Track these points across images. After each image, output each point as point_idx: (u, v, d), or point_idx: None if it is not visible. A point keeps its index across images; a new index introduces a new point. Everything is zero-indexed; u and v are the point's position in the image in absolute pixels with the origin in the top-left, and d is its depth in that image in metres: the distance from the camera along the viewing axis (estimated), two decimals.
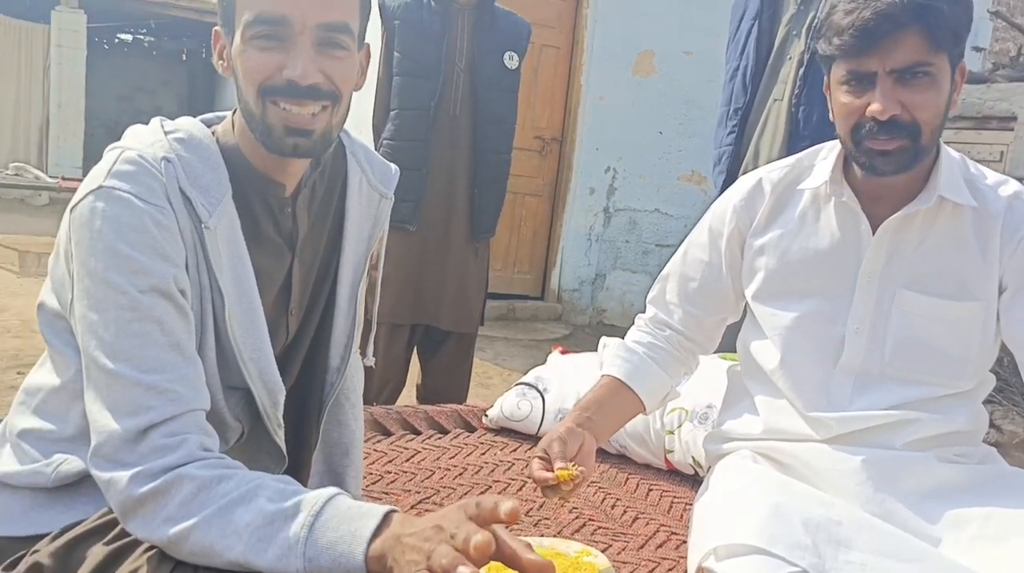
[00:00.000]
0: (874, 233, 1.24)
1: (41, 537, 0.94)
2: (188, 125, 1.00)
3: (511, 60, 2.48)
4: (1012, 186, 1.23)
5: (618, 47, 5.49)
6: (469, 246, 2.55)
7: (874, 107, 1.13)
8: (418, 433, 1.86)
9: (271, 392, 1.03)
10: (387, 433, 1.83)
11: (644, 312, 1.48)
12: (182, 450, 0.86)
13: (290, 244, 1.07)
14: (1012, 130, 4.11)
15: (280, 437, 1.07)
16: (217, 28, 0.99)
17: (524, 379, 1.99)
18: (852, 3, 1.13)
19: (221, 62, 1.00)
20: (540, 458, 1.17)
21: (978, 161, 1.30)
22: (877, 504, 1.16)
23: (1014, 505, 1.13)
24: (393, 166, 1.21)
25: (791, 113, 2.18)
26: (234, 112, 1.04)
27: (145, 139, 0.96)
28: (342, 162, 1.13)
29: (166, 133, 0.97)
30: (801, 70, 2.15)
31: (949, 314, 1.21)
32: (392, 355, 2.51)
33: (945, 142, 1.29)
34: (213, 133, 1.02)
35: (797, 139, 2.13)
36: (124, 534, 0.88)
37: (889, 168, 1.17)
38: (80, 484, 0.96)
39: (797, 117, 2.16)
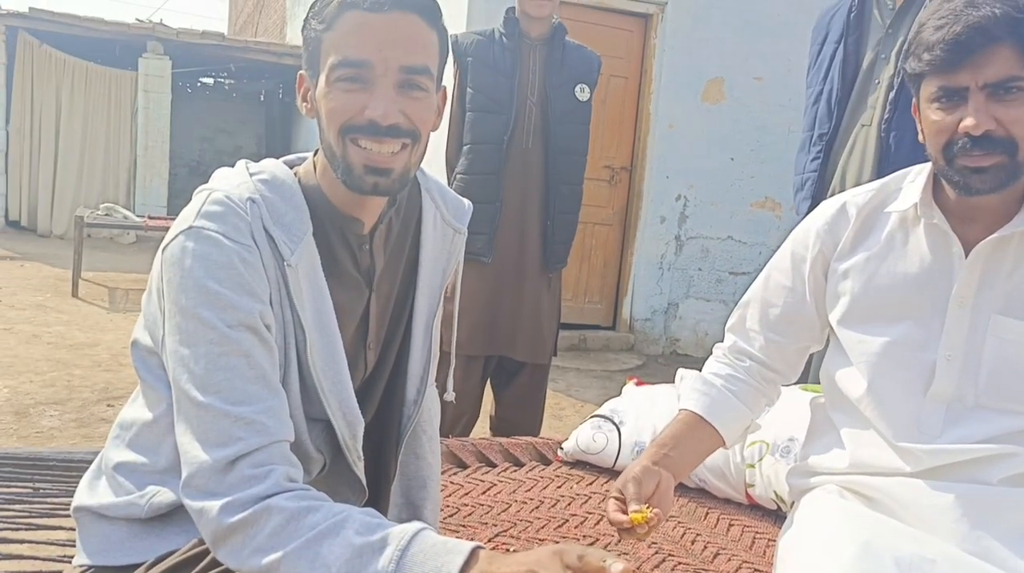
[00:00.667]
0: (966, 256, 1.20)
1: (137, 566, 0.97)
2: (271, 167, 1.04)
3: (582, 92, 2.51)
4: None
5: (687, 75, 5.48)
6: (543, 277, 2.56)
7: (967, 122, 1.10)
8: (494, 466, 1.86)
9: (351, 424, 1.05)
10: (463, 465, 1.84)
11: (721, 341, 1.46)
12: (270, 480, 0.88)
13: (368, 279, 1.10)
14: None
15: (360, 469, 1.09)
16: (302, 72, 1.03)
17: (599, 411, 1.98)
18: (942, 18, 1.10)
19: (305, 104, 1.04)
20: (616, 499, 1.16)
21: None
22: (973, 542, 1.10)
23: None
24: (466, 201, 1.23)
25: (881, 139, 2.12)
26: (315, 153, 1.08)
27: (232, 181, 1.00)
28: (417, 198, 1.16)
29: (251, 175, 1.01)
30: (891, 94, 2.09)
31: None
32: (467, 387, 2.53)
33: None
34: (295, 174, 1.06)
35: (887, 165, 2.07)
36: (215, 564, 0.91)
37: (985, 186, 1.13)
38: (173, 515, 0.99)
39: (888, 143, 2.10)
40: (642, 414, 1.88)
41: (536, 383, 2.62)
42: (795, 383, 1.92)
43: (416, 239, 1.15)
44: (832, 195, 2.21)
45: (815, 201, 2.25)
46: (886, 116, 2.10)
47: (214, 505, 0.87)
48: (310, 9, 1.02)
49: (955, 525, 1.13)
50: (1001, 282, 1.18)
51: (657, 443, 1.29)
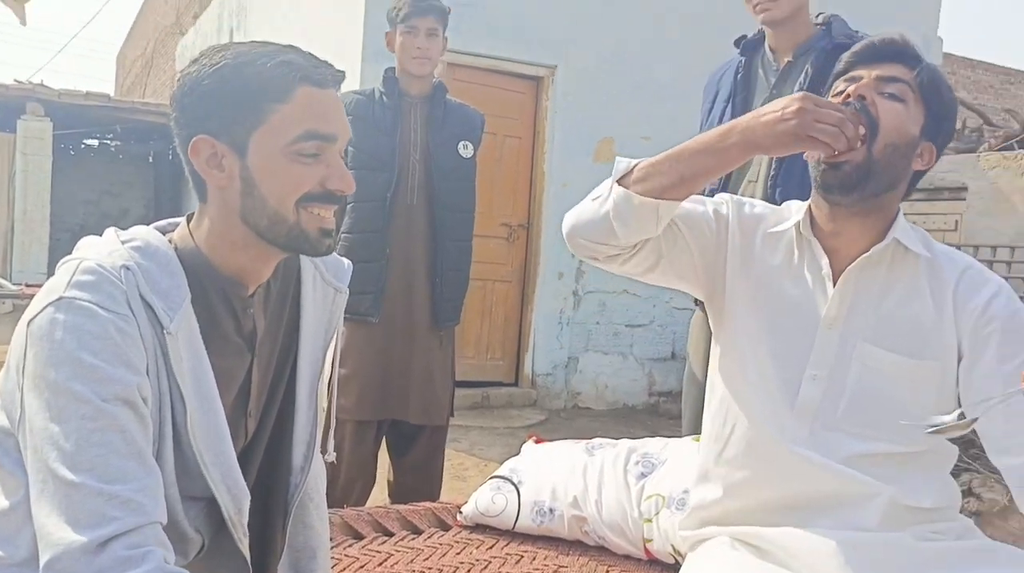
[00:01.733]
0: (836, 283, 1.27)
1: None
2: (143, 233, 1.00)
3: (466, 150, 2.52)
4: (965, 258, 1.28)
5: (578, 135, 5.64)
6: (433, 336, 2.51)
7: (854, 87, 1.23)
8: (391, 535, 1.80)
9: (236, 499, 1.01)
10: (359, 536, 1.78)
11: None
12: (147, 564, 0.83)
13: (250, 344, 1.07)
14: (964, 199, 4.25)
15: (245, 546, 1.04)
16: (204, 138, 0.98)
17: (498, 472, 1.95)
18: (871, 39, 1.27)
19: (217, 172, 0.99)
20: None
21: (933, 231, 1.38)
22: None
23: None
24: (346, 260, 1.22)
25: (767, 193, 2.22)
26: (189, 216, 1.05)
27: (102, 249, 0.96)
28: (295, 259, 1.14)
29: (122, 242, 0.97)
30: None
31: (908, 372, 1.23)
32: (360, 453, 2.44)
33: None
34: (170, 240, 1.02)
35: None
36: None
37: (837, 182, 1.22)
38: None
39: (774, 197, 2.20)
40: (541, 472, 1.87)
41: (435, 446, 2.56)
42: (687, 435, 1.96)
43: (296, 300, 1.13)
44: None
45: None
46: (771, 172, 2.20)
47: None
48: (223, 75, 0.98)
49: (840, 571, 1.16)
50: (868, 309, 1.25)
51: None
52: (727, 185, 2.32)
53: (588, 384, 5.80)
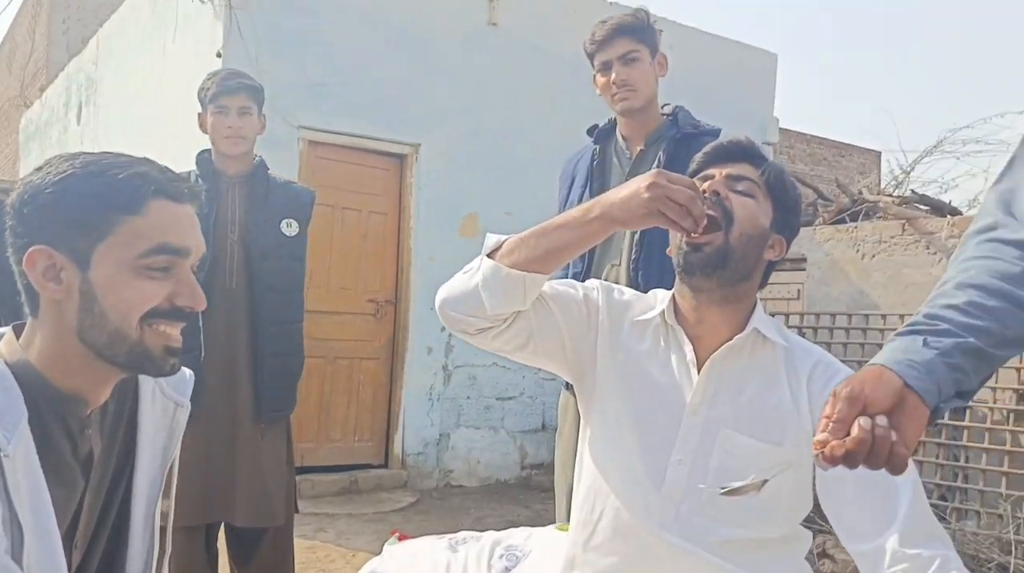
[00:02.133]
0: (700, 370, 1.30)
1: None
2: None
3: (290, 227, 2.42)
4: (816, 350, 1.36)
5: (443, 211, 5.68)
6: (256, 428, 2.34)
7: (708, 183, 1.30)
8: None
9: None
10: None
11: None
12: None
13: (85, 469, 0.98)
14: (804, 270, 4.54)
15: None
16: (41, 248, 0.93)
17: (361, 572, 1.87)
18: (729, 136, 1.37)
19: (52, 284, 0.94)
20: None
21: (778, 299, 1.48)
22: None
23: None
24: (188, 371, 1.14)
25: (630, 277, 2.28)
26: (17, 327, 0.97)
27: None
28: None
29: None
30: (636, 236, 2.25)
31: (766, 458, 1.26)
32: (191, 564, 2.25)
33: None
34: None
35: None
36: None
37: (698, 264, 1.27)
38: None
39: (636, 281, 2.26)
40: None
41: (281, 550, 2.37)
42: (551, 524, 1.94)
43: (132, 417, 1.05)
44: None
45: None
46: (633, 256, 2.27)
47: None
48: (68, 184, 0.93)
49: None
50: (732, 396, 1.29)
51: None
52: (591, 268, 2.38)
53: (460, 461, 5.73)
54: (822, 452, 0.89)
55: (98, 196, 0.93)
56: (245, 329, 2.33)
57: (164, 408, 1.09)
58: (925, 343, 0.94)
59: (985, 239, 1.03)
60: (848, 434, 0.87)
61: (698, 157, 1.36)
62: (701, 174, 1.33)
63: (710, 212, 1.24)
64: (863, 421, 0.88)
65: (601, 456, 1.35)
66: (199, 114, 2.45)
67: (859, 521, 1.20)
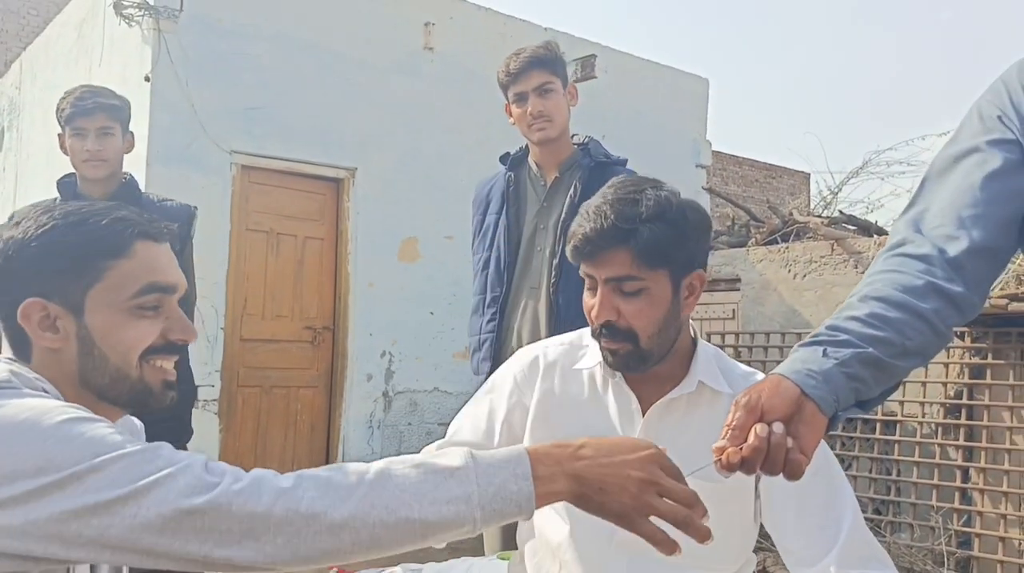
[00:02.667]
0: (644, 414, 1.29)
1: None
2: None
3: None
4: (760, 377, 1.34)
5: (382, 235, 5.64)
6: None
7: (592, 312, 1.24)
8: None
9: None
10: None
11: None
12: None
13: None
14: (739, 290, 4.62)
15: None
16: (35, 301, 0.95)
17: None
18: (582, 218, 1.25)
19: (49, 334, 0.96)
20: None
21: (714, 319, 1.44)
22: None
23: None
24: (138, 422, 1.19)
25: (550, 300, 2.28)
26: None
27: None
28: None
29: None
30: (555, 260, 2.28)
31: (711, 495, 1.26)
32: None
33: None
34: None
35: (558, 324, 2.22)
36: None
37: (618, 365, 1.26)
38: None
39: (557, 304, 2.26)
40: None
41: None
42: (493, 553, 1.91)
43: None
44: (512, 353, 2.34)
45: (495, 361, 2.35)
46: (552, 280, 2.27)
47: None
48: (53, 236, 0.96)
49: None
50: (675, 441, 1.28)
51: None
52: (510, 292, 2.38)
53: None
54: (720, 459, 0.89)
55: (85, 244, 0.97)
56: None
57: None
58: (824, 353, 0.96)
59: (892, 254, 1.06)
60: (746, 441, 0.88)
61: (569, 244, 1.26)
62: (586, 273, 1.26)
63: (612, 346, 1.24)
64: (759, 428, 0.90)
65: (547, 515, 1.32)
66: (59, 135, 2.34)
67: (802, 547, 1.21)
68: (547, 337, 2.16)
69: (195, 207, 2.48)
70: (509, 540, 1.95)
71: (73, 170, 2.34)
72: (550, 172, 2.37)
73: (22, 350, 0.98)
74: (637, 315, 1.22)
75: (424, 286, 5.77)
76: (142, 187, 4.77)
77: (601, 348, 1.27)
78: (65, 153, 2.33)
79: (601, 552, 1.27)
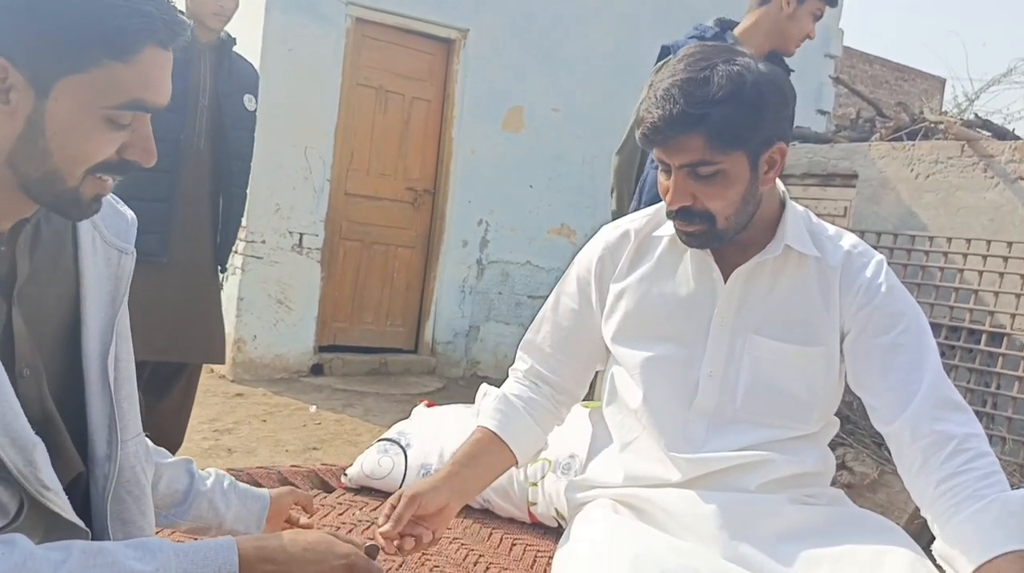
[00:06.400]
0: (726, 281, 1.27)
1: None
2: None
3: (250, 103, 2.62)
4: (849, 238, 1.29)
5: (488, 102, 5.58)
6: (214, 279, 2.61)
7: (667, 197, 1.22)
8: None
9: (22, 448, 0.83)
10: None
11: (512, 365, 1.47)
12: None
13: (5, 288, 0.89)
14: (854, 187, 4.41)
15: (55, 502, 0.87)
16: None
17: (386, 434, 1.92)
18: (650, 101, 1.19)
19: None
20: (392, 505, 1.20)
21: (824, 216, 1.37)
22: (732, 549, 1.16)
23: (863, 545, 1.15)
24: (129, 214, 1.07)
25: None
26: None
27: None
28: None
29: None
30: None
31: (796, 359, 1.25)
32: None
33: (794, 198, 1.36)
34: None
35: None
36: None
37: (694, 244, 1.25)
38: None
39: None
40: (429, 437, 1.84)
41: (192, 387, 2.63)
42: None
43: (76, 265, 0.97)
44: None
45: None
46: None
47: None
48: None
49: (717, 533, 1.18)
50: (757, 305, 1.27)
51: (450, 461, 1.30)
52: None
53: (488, 353, 5.80)
54: None
55: (89, 26, 0.81)
56: (208, 188, 2.55)
57: (107, 257, 1.01)
58: None
59: None
60: None
61: (638, 132, 1.21)
62: (659, 159, 1.21)
63: (688, 229, 1.22)
64: None
65: (631, 387, 1.33)
66: None
67: (885, 402, 1.20)
68: None
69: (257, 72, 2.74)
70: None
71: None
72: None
73: None
74: (713, 198, 1.19)
75: (526, 158, 5.73)
76: (260, 34, 4.86)
77: (676, 230, 1.26)
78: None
79: (679, 417, 1.28)
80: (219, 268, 2.64)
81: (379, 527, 1.18)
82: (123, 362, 1.02)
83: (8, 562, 0.74)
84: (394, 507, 1.20)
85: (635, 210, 2.57)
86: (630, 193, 2.63)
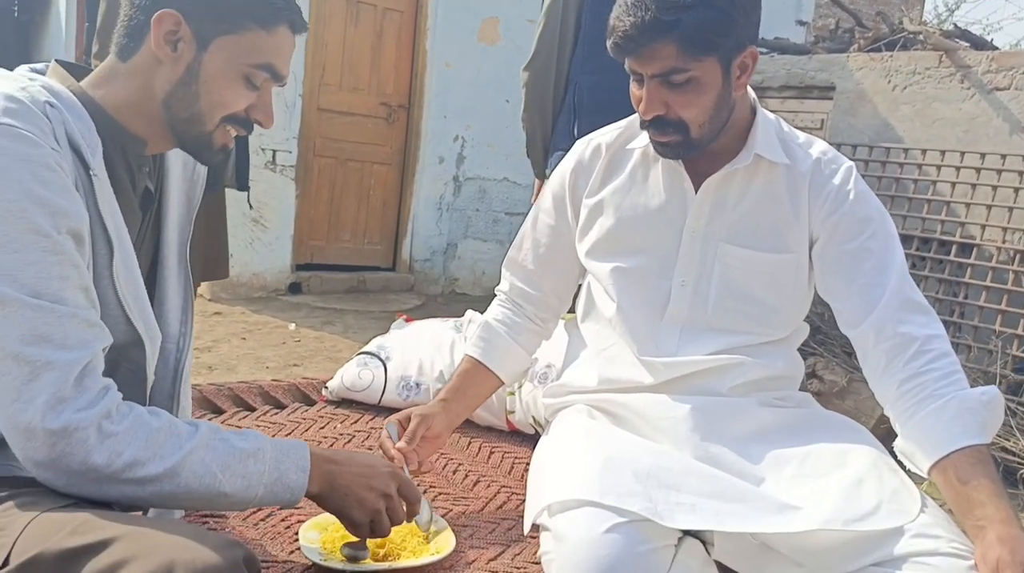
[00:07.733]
0: (697, 191, 1.27)
1: None
2: (41, 77, 0.97)
3: None
4: (819, 146, 1.30)
5: (462, 13, 5.44)
6: (221, 194, 2.70)
7: (640, 107, 1.21)
8: (252, 410, 1.77)
9: (152, 340, 1.02)
10: (218, 411, 1.73)
11: (498, 281, 1.50)
12: (114, 390, 0.88)
13: (144, 205, 1.06)
14: (831, 99, 4.39)
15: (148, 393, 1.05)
16: (175, 13, 0.97)
17: (366, 348, 1.93)
18: (620, 9, 1.18)
19: (167, 47, 0.99)
20: (399, 422, 1.31)
21: (799, 128, 1.37)
22: (704, 450, 1.20)
23: (828, 444, 1.20)
24: None
25: None
26: (63, 64, 1.01)
27: (16, 83, 0.92)
28: None
29: (30, 80, 0.94)
30: None
31: (765, 266, 1.27)
32: None
33: (772, 110, 1.36)
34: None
35: None
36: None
37: (668, 154, 1.26)
38: None
39: None
40: (408, 349, 1.86)
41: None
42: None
43: (161, 164, 1.11)
44: None
45: None
46: None
47: (89, 414, 0.83)
48: None
49: (689, 434, 1.22)
50: (727, 214, 1.28)
51: (443, 391, 1.41)
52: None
53: (466, 270, 5.82)
54: None
55: (268, 15, 1.00)
56: None
57: (185, 161, 1.15)
58: None
59: None
60: None
61: (609, 41, 1.20)
62: (631, 68, 1.20)
63: (662, 139, 1.22)
64: None
65: (605, 297, 1.36)
66: None
67: (851, 307, 1.23)
68: None
69: None
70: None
71: None
72: None
73: (133, 44, 0.99)
74: (687, 106, 1.19)
75: (502, 71, 5.62)
76: None
77: (651, 140, 1.26)
78: None
79: (652, 325, 1.31)
80: (240, 185, 2.75)
81: (387, 438, 1.29)
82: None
83: (157, 421, 0.90)
84: (403, 426, 1.29)
85: (570, 123, 2.56)
86: (542, 111, 2.62)
